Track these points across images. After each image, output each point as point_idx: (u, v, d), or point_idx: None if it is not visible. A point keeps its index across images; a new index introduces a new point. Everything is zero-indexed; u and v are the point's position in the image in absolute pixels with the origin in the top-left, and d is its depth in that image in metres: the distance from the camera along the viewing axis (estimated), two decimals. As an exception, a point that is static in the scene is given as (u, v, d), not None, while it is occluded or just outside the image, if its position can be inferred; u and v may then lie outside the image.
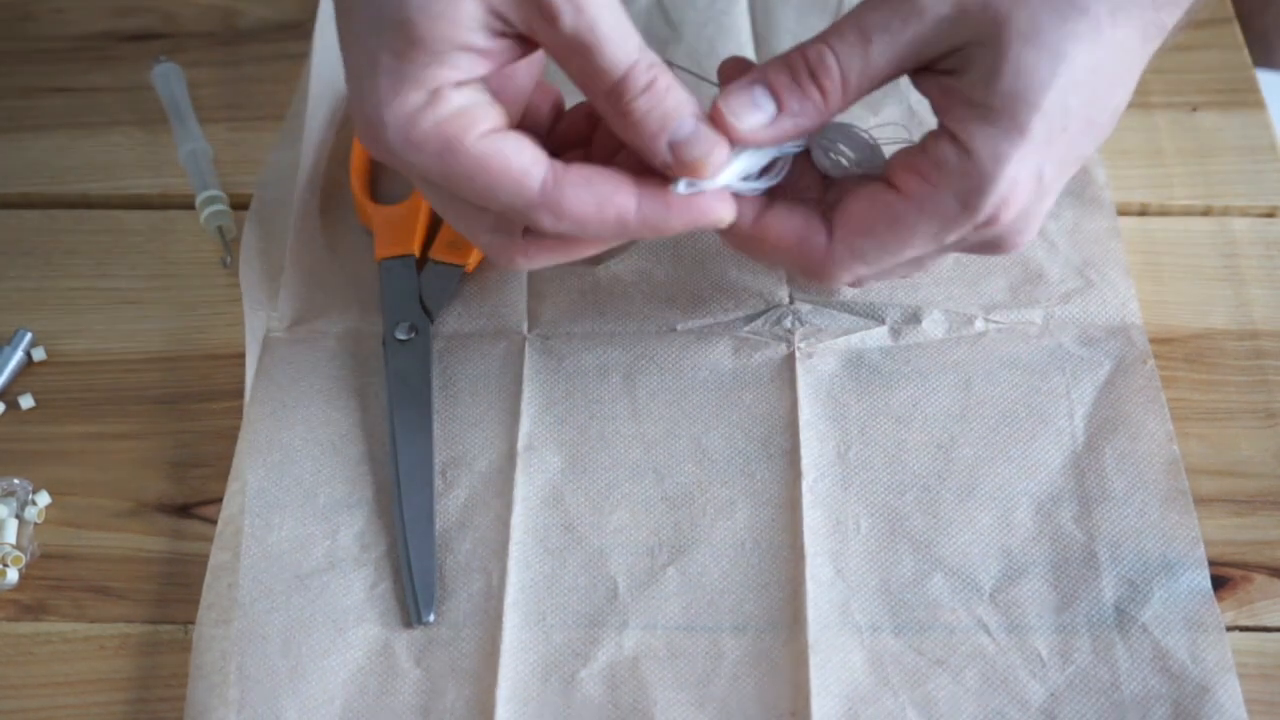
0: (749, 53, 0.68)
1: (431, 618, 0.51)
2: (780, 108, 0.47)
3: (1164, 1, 0.47)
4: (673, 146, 0.46)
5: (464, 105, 0.45)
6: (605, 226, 0.46)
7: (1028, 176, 0.46)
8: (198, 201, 0.64)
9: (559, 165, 0.46)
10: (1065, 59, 0.45)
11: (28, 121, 0.69)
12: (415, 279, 0.60)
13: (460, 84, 0.45)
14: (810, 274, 0.49)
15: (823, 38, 0.47)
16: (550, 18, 0.43)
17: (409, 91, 0.44)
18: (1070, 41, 0.45)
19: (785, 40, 0.69)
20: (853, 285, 0.51)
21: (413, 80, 0.44)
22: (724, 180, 0.47)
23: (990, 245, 0.49)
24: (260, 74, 0.70)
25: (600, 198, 0.45)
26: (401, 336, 0.58)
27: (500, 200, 0.45)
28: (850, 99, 0.47)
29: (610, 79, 0.45)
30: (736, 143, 0.47)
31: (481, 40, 0.44)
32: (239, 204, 0.64)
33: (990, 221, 0.46)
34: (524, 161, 0.45)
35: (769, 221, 0.49)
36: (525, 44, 0.46)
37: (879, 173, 0.49)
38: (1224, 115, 0.67)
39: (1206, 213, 0.64)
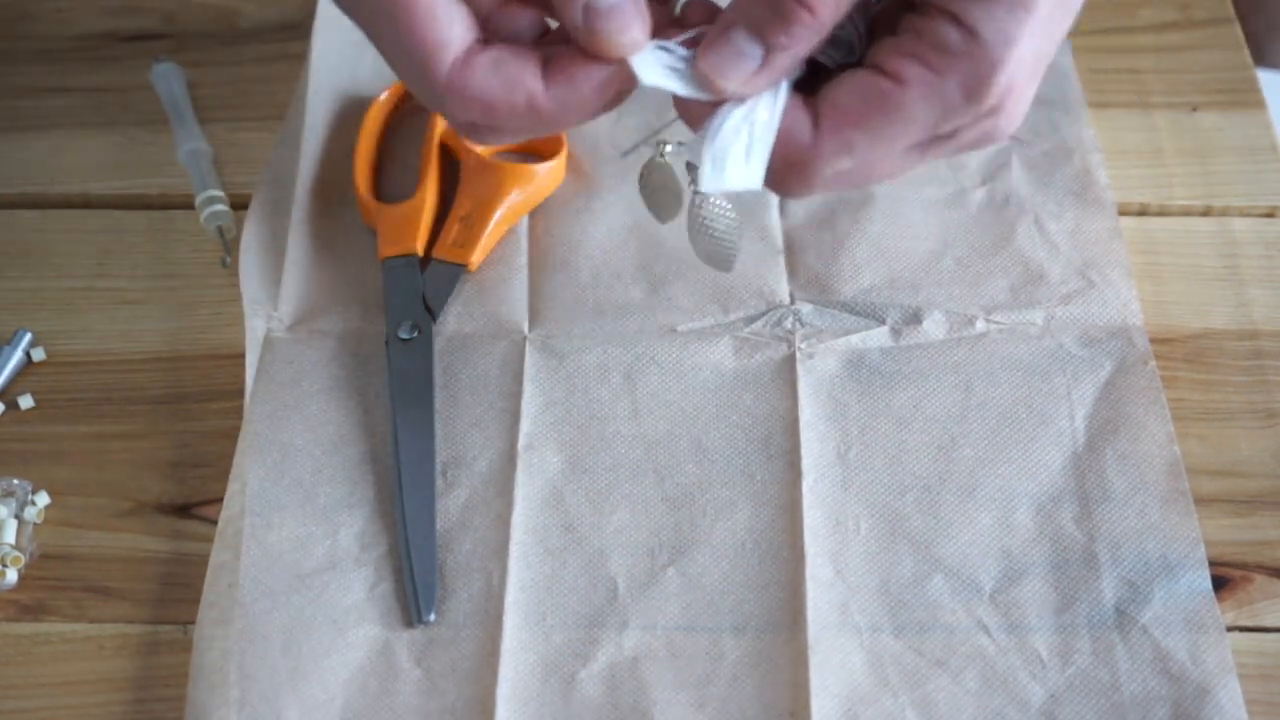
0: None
1: (432, 617, 0.51)
2: (768, 47, 0.41)
3: None
4: (589, 11, 0.41)
5: None
6: (515, 115, 0.41)
7: (1034, 58, 0.42)
8: (197, 201, 0.64)
9: (474, 46, 0.41)
10: None
11: (28, 121, 0.69)
12: (418, 278, 0.60)
13: None
14: (790, 169, 0.43)
15: None
16: None
17: None
18: None
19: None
20: (824, 188, 0.45)
21: None
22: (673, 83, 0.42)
23: (985, 137, 0.44)
24: (260, 74, 0.70)
25: (508, 81, 0.41)
26: (404, 336, 0.58)
27: (405, 75, 0.42)
28: (843, 5, 0.41)
29: None
30: (730, 98, 0.42)
31: None
32: (239, 204, 0.64)
33: (995, 109, 0.42)
34: (440, 35, 0.41)
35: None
36: None
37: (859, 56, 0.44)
38: (1224, 115, 0.67)
39: (1206, 213, 0.64)
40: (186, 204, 0.65)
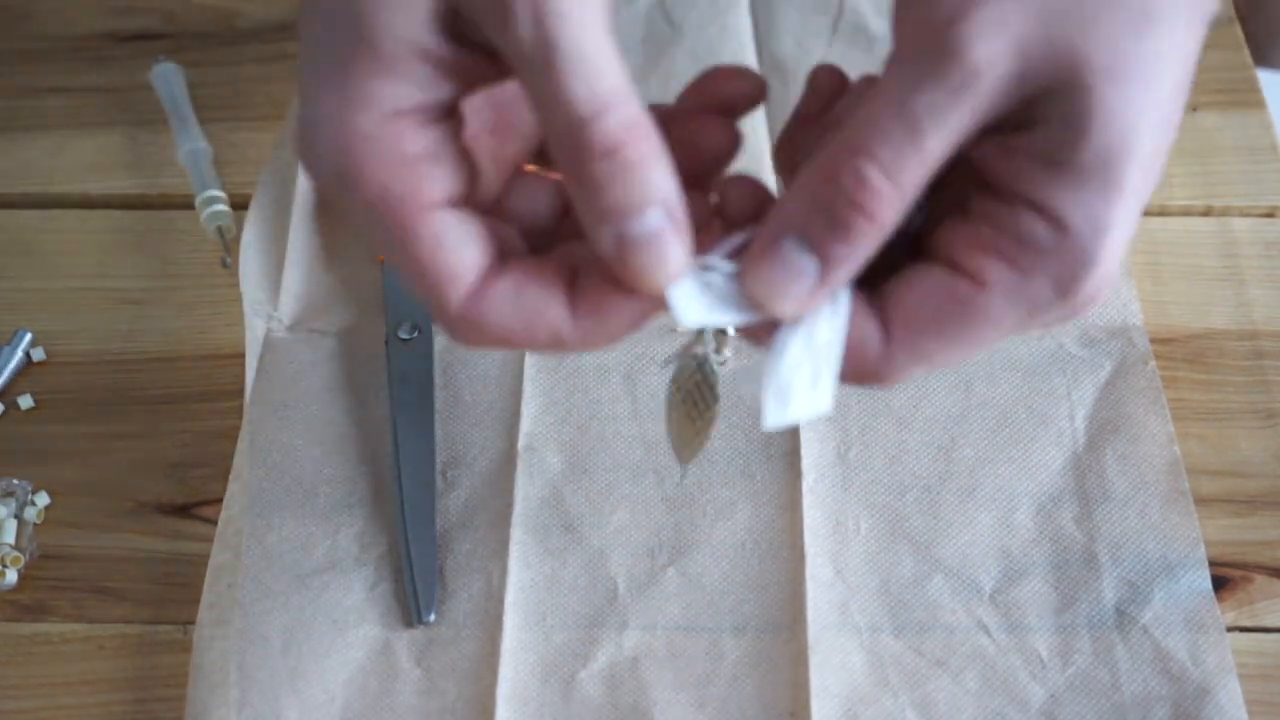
0: (750, 53, 0.68)
1: (432, 617, 0.51)
2: (824, 260, 0.36)
3: None
4: (621, 242, 0.35)
5: (416, 153, 0.36)
6: (536, 345, 0.37)
7: (1127, 236, 0.36)
8: (197, 201, 0.64)
9: (493, 270, 0.37)
10: (1153, 88, 0.35)
11: (28, 121, 0.69)
12: None
13: (420, 121, 0.36)
14: (861, 380, 0.38)
15: (855, 145, 0.35)
16: (503, 19, 0.34)
17: (352, 112, 0.35)
18: (1155, 64, 0.35)
19: (787, 41, 0.69)
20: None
21: (358, 96, 0.35)
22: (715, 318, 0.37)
23: (1070, 316, 0.38)
24: (260, 74, 0.70)
25: (529, 314, 0.36)
26: (404, 336, 0.58)
27: (418, 294, 0.37)
28: (910, 204, 0.36)
29: (566, 122, 0.34)
30: (788, 322, 0.36)
31: (436, 42, 0.35)
32: (239, 204, 0.64)
33: (1090, 301, 0.37)
34: (450, 267, 0.36)
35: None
36: (496, 61, 0.36)
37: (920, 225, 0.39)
38: (1224, 115, 0.67)
39: (1207, 213, 0.64)
40: (186, 204, 0.65)
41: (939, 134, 0.35)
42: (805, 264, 0.36)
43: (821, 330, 0.37)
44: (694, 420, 0.43)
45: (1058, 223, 0.36)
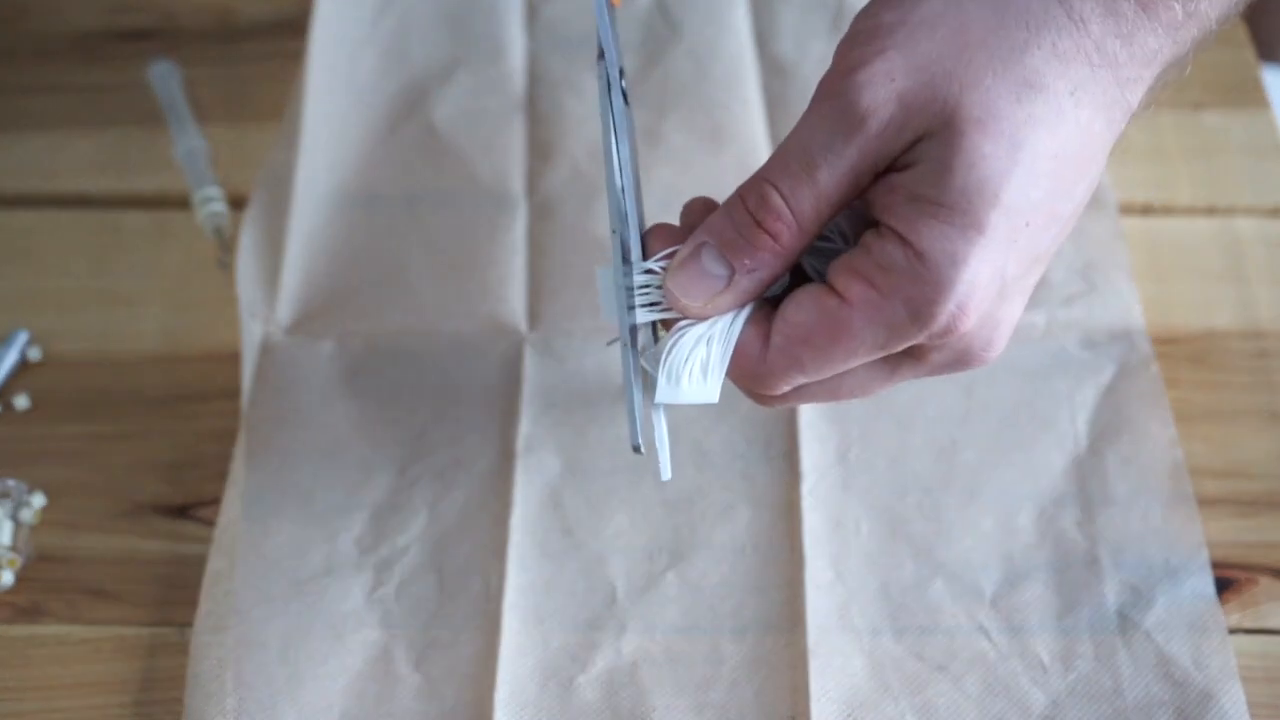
0: (749, 53, 0.68)
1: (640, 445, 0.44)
2: (732, 268, 0.42)
3: (1128, 79, 0.41)
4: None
5: None
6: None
7: (988, 279, 0.40)
8: (194, 200, 0.64)
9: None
10: (1025, 146, 0.39)
11: (24, 119, 0.69)
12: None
13: None
14: (745, 381, 0.44)
15: (762, 174, 0.42)
16: None
17: None
18: (1029, 127, 0.39)
19: (787, 40, 0.68)
20: (794, 400, 0.45)
21: None
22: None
23: (957, 360, 0.44)
24: (257, 72, 0.70)
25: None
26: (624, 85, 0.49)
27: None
28: (809, 234, 0.42)
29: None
30: (698, 318, 0.43)
31: None
32: (236, 202, 0.64)
33: (947, 331, 0.41)
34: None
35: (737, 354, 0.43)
36: None
37: None
38: (1228, 114, 0.67)
39: (1211, 212, 0.64)
40: (183, 203, 0.65)
41: (830, 169, 0.41)
42: (717, 269, 0.42)
43: (718, 330, 0.43)
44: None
45: (914, 251, 0.40)
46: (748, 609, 0.51)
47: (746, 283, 0.42)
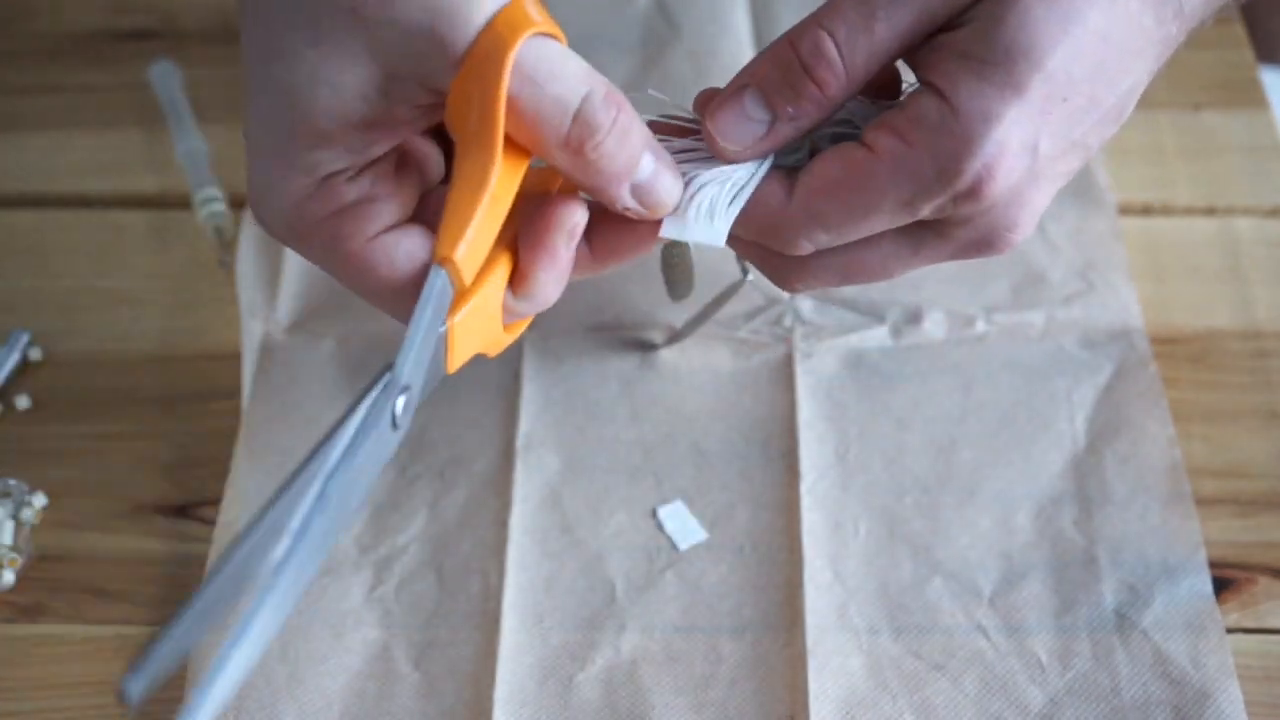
0: (749, 53, 0.68)
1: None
2: (775, 114, 0.41)
3: None
4: (637, 190, 0.41)
5: (355, 200, 0.41)
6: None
7: (1019, 145, 0.40)
8: (195, 200, 0.64)
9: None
10: (1077, 18, 0.39)
11: (24, 120, 0.69)
12: None
13: (355, 173, 0.41)
14: (764, 235, 0.42)
15: (817, 19, 0.41)
16: (453, 67, 0.38)
17: (296, 177, 0.40)
18: (1084, 1, 0.39)
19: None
20: (814, 275, 0.44)
21: (300, 165, 0.40)
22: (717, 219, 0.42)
23: (981, 240, 0.43)
24: (258, 72, 0.70)
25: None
26: None
27: (384, 310, 0.42)
28: (856, 86, 0.41)
29: (563, 119, 0.39)
30: (731, 162, 0.42)
31: (368, 109, 0.39)
32: (237, 203, 0.64)
33: (972, 193, 0.40)
34: (409, 272, 0.41)
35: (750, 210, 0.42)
36: (432, 105, 0.40)
37: None
38: (1227, 114, 0.67)
39: (1210, 212, 0.64)
40: (184, 203, 0.65)
41: (889, 22, 0.40)
42: (758, 113, 0.41)
43: (736, 177, 0.42)
44: (682, 284, 0.52)
45: (949, 105, 0.39)
46: (746, 608, 0.51)
47: (787, 130, 0.41)
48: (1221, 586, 0.51)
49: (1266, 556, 0.53)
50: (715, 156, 0.42)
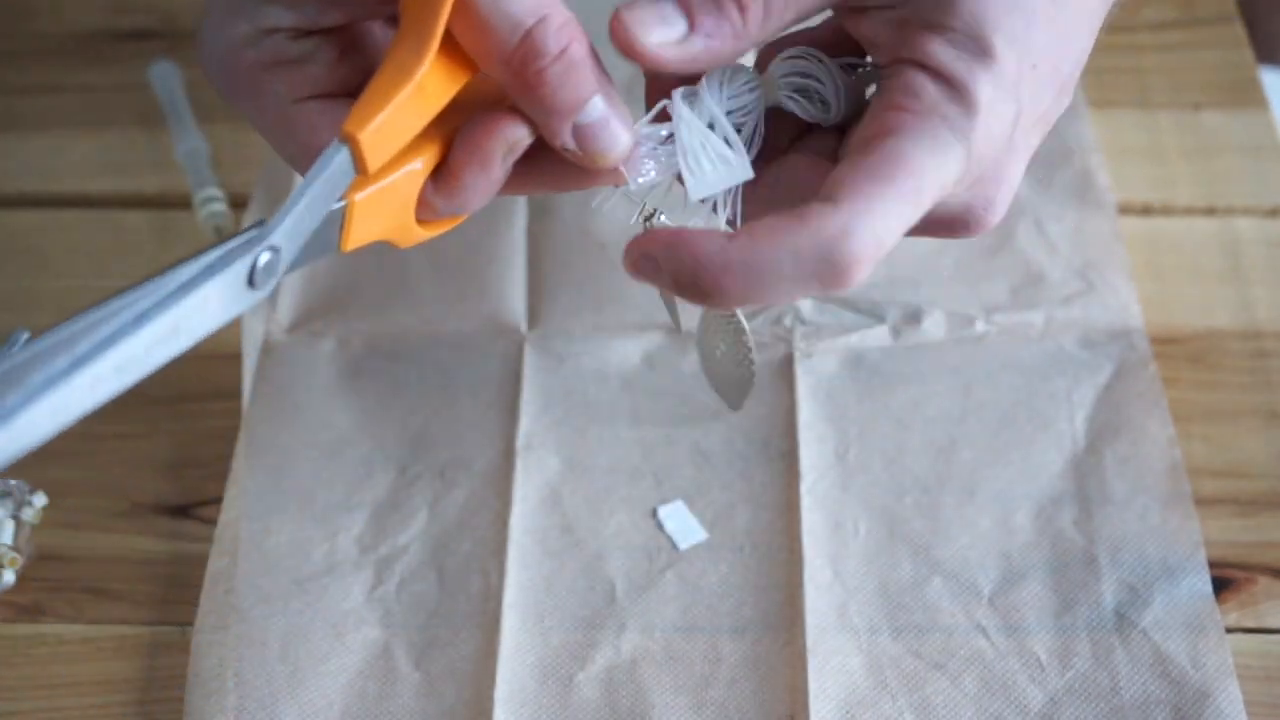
0: (748, 54, 0.68)
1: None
2: (691, 26, 0.39)
3: None
4: (579, 131, 0.39)
5: (293, 58, 0.41)
6: None
7: (1003, 108, 0.39)
8: (195, 200, 0.64)
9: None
10: None
11: (25, 120, 0.69)
12: None
13: (300, 35, 0.40)
14: (829, 268, 0.38)
15: None
16: None
17: (239, 23, 0.40)
18: None
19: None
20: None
21: (246, 12, 0.40)
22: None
23: (958, 217, 0.41)
24: (258, 72, 0.70)
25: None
26: None
27: (299, 171, 0.41)
28: (774, 26, 0.40)
29: (512, 34, 0.38)
30: (641, 63, 0.39)
31: None
32: (237, 203, 0.64)
33: (983, 159, 0.39)
34: (322, 144, 0.39)
35: (764, 229, 0.37)
36: None
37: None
38: (1227, 115, 0.67)
39: (1210, 212, 0.64)
40: (185, 203, 0.65)
41: None
42: (675, 19, 0.39)
43: (720, 108, 0.41)
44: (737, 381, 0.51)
45: (939, 74, 0.39)
46: (747, 608, 0.51)
47: (697, 45, 0.39)
48: (1221, 586, 0.51)
49: (1266, 556, 0.53)
50: (624, 53, 0.39)
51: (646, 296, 0.60)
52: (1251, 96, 0.67)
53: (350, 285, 0.61)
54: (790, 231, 0.37)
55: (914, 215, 0.38)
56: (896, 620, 0.51)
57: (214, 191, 0.64)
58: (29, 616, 0.52)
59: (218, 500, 0.54)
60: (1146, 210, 0.64)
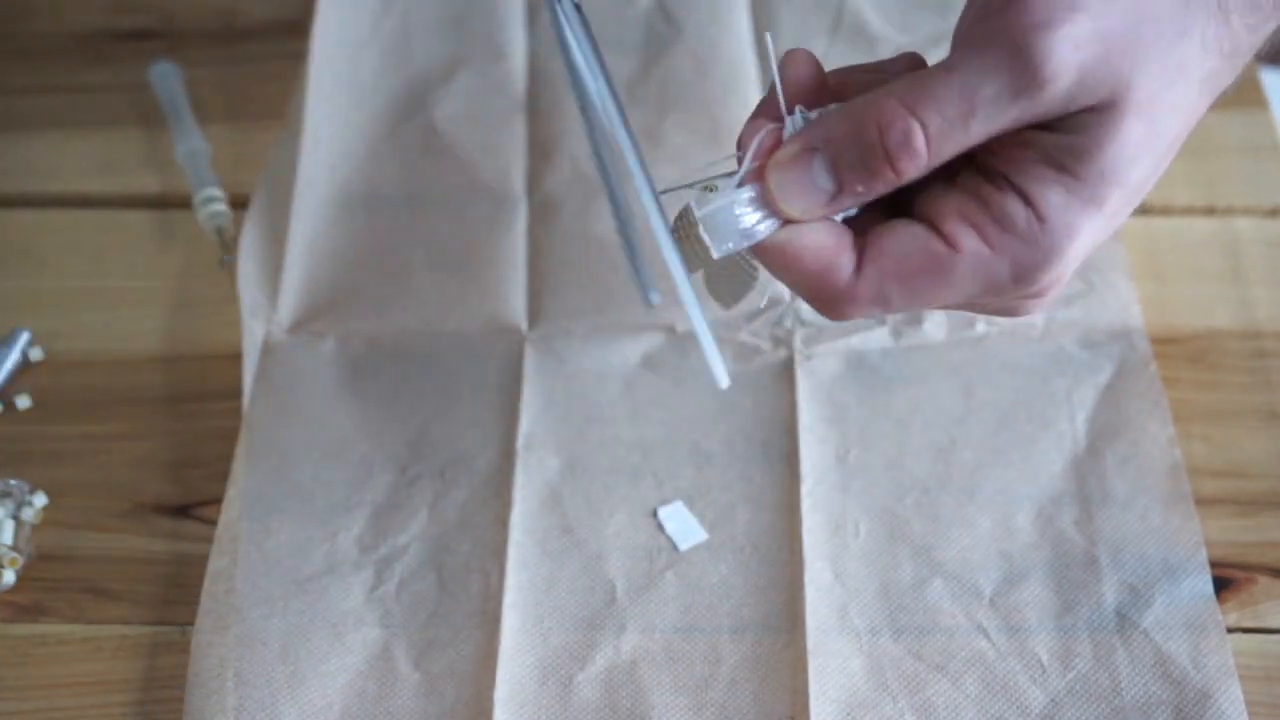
0: (749, 53, 0.68)
1: (656, 298, 0.41)
2: (841, 187, 0.40)
3: (1242, 65, 0.42)
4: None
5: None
6: None
7: (1086, 249, 0.41)
8: (195, 200, 0.64)
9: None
10: (1160, 134, 0.40)
11: (25, 120, 0.69)
12: None
13: None
14: (821, 304, 0.42)
15: (910, 104, 0.39)
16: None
17: None
18: (1169, 114, 0.40)
19: (787, 41, 0.68)
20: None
21: None
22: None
23: (1007, 311, 0.44)
24: (258, 73, 0.70)
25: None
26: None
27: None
28: (926, 169, 0.40)
29: None
30: (787, 220, 0.41)
31: None
32: (237, 203, 0.64)
33: (1038, 294, 0.42)
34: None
35: (797, 232, 0.41)
36: None
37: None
38: (1227, 114, 0.66)
39: (1209, 212, 0.64)
40: (184, 203, 0.65)
41: (987, 123, 0.39)
42: (825, 183, 0.40)
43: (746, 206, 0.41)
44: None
45: (1037, 214, 0.40)
46: (747, 609, 0.51)
47: (848, 202, 0.41)
48: (1221, 586, 0.51)
49: (1266, 556, 0.53)
50: (768, 208, 0.41)
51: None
52: (1251, 96, 0.67)
53: (351, 285, 0.61)
54: (812, 260, 0.41)
55: (917, 308, 0.43)
56: (897, 621, 0.51)
57: (214, 191, 0.64)
58: (29, 616, 0.53)
59: (218, 500, 0.54)
60: (1146, 210, 0.64)
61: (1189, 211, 0.64)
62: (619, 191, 0.42)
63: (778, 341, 0.58)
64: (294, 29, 0.70)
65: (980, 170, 0.41)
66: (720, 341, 0.58)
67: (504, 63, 0.68)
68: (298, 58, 0.68)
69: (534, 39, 0.70)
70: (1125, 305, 0.59)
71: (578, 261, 0.61)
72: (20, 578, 0.53)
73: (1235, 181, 0.64)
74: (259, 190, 0.63)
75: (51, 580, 0.53)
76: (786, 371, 0.57)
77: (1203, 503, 0.53)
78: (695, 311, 0.41)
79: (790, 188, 0.41)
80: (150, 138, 0.67)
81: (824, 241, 0.41)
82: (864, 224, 0.42)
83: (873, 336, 0.58)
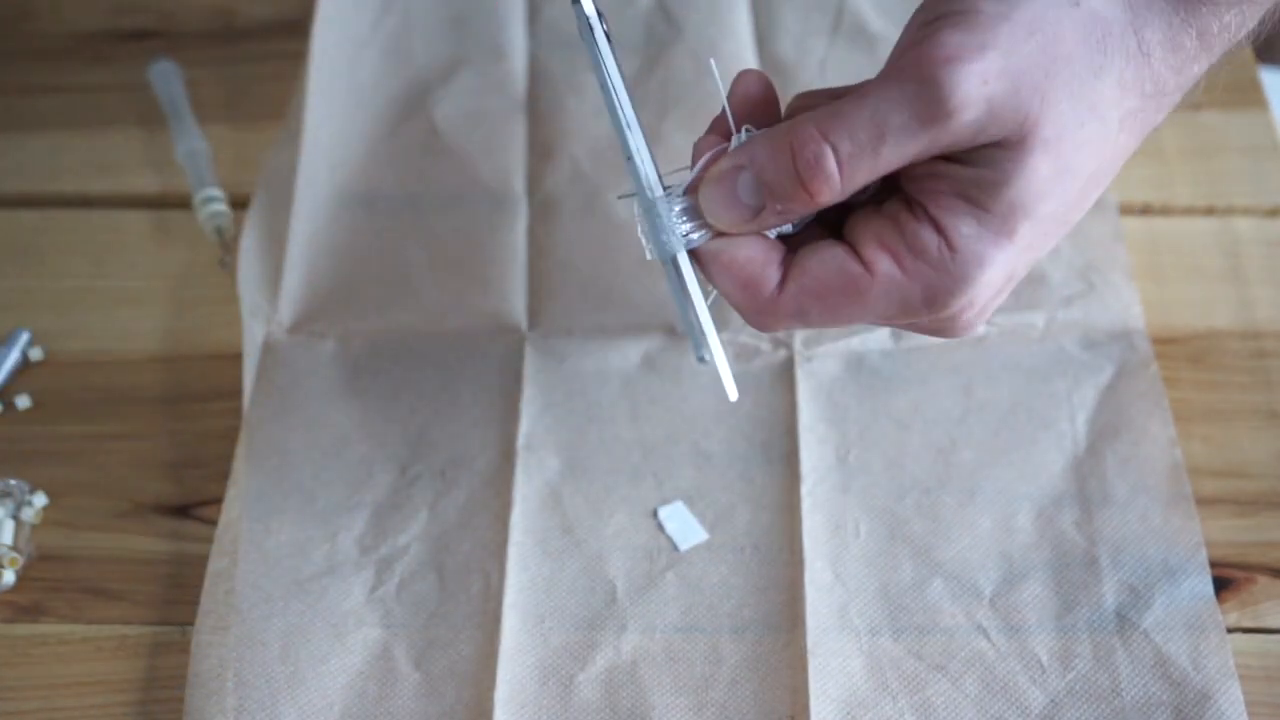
0: (749, 53, 0.68)
1: (707, 356, 0.46)
2: (763, 204, 0.43)
3: (1168, 104, 0.44)
4: None
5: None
6: None
7: (999, 278, 0.43)
8: (195, 200, 0.64)
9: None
10: (1071, 171, 0.41)
11: (25, 120, 0.69)
12: None
13: None
14: (746, 312, 0.45)
15: (824, 127, 0.41)
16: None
17: None
18: (1081, 152, 0.41)
19: (786, 41, 0.68)
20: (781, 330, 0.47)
21: None
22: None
23: (936, 332, 0.46)
24: (259, 73, 0.70)
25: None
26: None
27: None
28: (846, 196, 0.42)
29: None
30: (717, 233, 0.44)
31: None
32: (237, 203, 0.64)
33: (950, 319, 0.44)
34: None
35: (730, 244, 0.44)
36: None
37: None
38: (1227, 115, 0.67)
39: (1209, 212, 0.64)
40: (184, 203, 0.65)
41: (898, 149, 0.41)
42: (750, 199, 0.43)
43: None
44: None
45: (948, 244, 0.42)
46: (747, 609, 0.51)
47: (772, 220, 0.43)
48: (1221, 586, 0.51)
49: (1266, 556, 0.53)
50: (700, 219, 0.44)
51: (647, 297, 0.60)
52: (1251, 96, 0.67)
53: (351, 285, 0.61)
54: (741, 270, 0.44)
55: (834, 325, 0.45)
56: (897, 621, 0.51)
57: (214, 191, 0.64)
58: (29, 616, 0.53)
59: (218, 500, 0.54)
60: (1146, 210, 0.64)
61: (1189, 211, 0.64)
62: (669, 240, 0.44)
63: (778, 342, 0.58)
64: (294, 29, 0.70)
65: (903, 199, 0.43)
66: (719, 341, 0.58)
67: (504, 63, 0.68)
68: (298, 58, 0.68)
69: (534, 39, 0.70)
70: (1126, 306, 0.59)
71: (578, 261, 0.61)
72: (20, 578, 0.53)
73: (1235, 181, 0.64)
74: (259, 190, 0.63)
75: (51, 580, 0.54)
76: (786, 372, 0.57)
77: (1203, 503, 0.53)
78: (709, 326, 0.44)
79: (717, 202, 0.43)
80: (150, 138, 0.67)
81: (753, 254, 0.43)
82: (801, 242, 0.44)
83: (873, 338, 0.58)
